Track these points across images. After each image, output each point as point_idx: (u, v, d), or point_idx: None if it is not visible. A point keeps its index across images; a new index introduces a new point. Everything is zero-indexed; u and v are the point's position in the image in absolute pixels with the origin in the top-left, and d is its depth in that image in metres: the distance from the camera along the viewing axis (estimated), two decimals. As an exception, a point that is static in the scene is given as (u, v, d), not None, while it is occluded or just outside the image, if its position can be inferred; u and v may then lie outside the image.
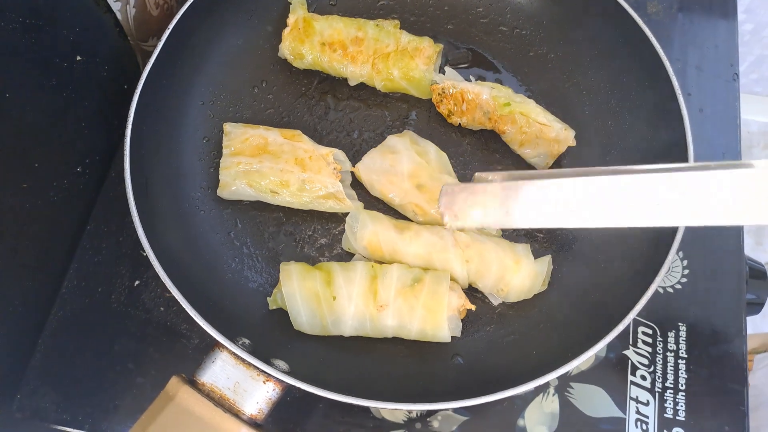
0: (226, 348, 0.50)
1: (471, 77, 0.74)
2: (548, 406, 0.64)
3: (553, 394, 0.64)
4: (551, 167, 0.69)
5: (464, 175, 0.71)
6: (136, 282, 0.70)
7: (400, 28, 0.73)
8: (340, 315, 0.58)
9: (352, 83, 0.74)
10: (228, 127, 0.68)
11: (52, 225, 0.70)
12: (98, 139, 0.76)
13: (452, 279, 0.61)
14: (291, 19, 0.73)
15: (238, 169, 0.65)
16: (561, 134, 0.66)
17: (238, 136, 0.67)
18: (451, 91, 0.68)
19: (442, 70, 0.74)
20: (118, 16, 0.78)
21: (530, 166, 0.70)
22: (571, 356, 0.52)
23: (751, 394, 0.65)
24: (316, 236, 0.68)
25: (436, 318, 0.58)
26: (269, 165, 0.65)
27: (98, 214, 0.73)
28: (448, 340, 0.59)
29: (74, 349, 0.67)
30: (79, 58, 0.70)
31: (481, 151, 0.72)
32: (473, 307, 0.60)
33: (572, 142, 0.67)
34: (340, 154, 0.67)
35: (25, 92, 0.63)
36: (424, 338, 0.59)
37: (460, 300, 0.59)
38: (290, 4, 0.75)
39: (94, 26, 0.72)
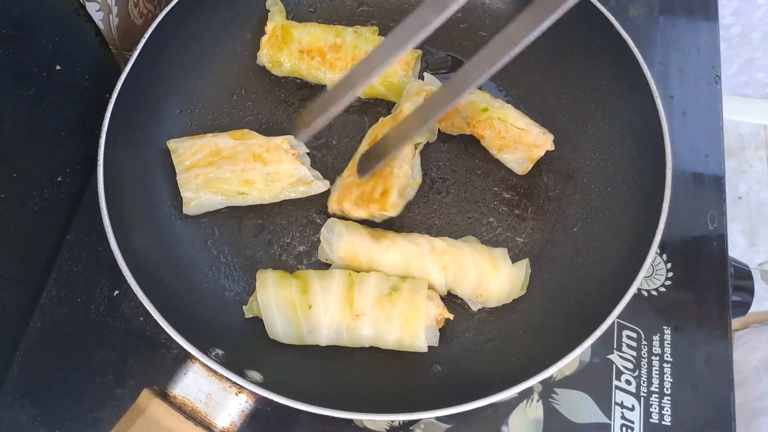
0: (198, 360, 0.49)
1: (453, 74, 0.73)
2: (532, 412, 0.63)
3: (537, 400, 0.64)
4: (530, 172, 0.69)
5: (443, 179, 0.70)
6: (116, 292, 0.69)
7: (379, 34, 0.74)
8: (316, 324, 0.58)
9: (331, 90, 0.73)
10: (172, 144, 0.67)
11: (31, 235, 0.70)
12: (79, 148, 0.75)
13: (430, 287, 0.60)
14: (269, 27, 0.73)
15: (198, 182, 0.64)
16: (539, 138, 0.66)
17: (186, 150, 0.66)
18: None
19: (421, 76, 0.74)
20: (101, 25, 0.78)
21: (510, 172, 0.70)
22: (551, 361, 0.51)
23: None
24: (294, 243, 0.67)
25: (413, 327, 0.57)
26: (229, 168, 0.64)
27: (78, 224, 0.73)
28: (425, 349, 0.58)
29: (52, 360, 0.66)
30: (58, 67, 0.70)
31: (460, 157, 0.72)
32: (451, 316, 0.59)
33: (551, 147, 0.67)
34: (293, 139, 0.67)
35: (2, 102, 0.63)
36: (401, 348, 0.58)
37: (438, 309, 0.59)
38: (269, 11, 0.75)
39: (74, 35, 0.72)
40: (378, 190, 0.62)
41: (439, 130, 0.72)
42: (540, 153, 0.67)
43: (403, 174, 0.63)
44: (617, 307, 0.53)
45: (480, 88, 0.72)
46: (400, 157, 0.64)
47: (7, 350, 0.67)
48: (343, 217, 0.65)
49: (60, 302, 0.69)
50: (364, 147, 0.68)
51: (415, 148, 0.67)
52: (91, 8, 0.75)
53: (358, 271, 0.61)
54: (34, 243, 0.70)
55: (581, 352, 0.52)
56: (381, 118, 0.69)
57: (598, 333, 0.53)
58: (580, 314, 0.57)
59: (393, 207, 0.62)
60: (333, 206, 0.65)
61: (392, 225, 0.67)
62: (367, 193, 0.62)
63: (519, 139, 0.66)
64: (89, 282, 0.70)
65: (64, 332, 0.68)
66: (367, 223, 0.65)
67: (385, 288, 0.58)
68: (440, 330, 0.61)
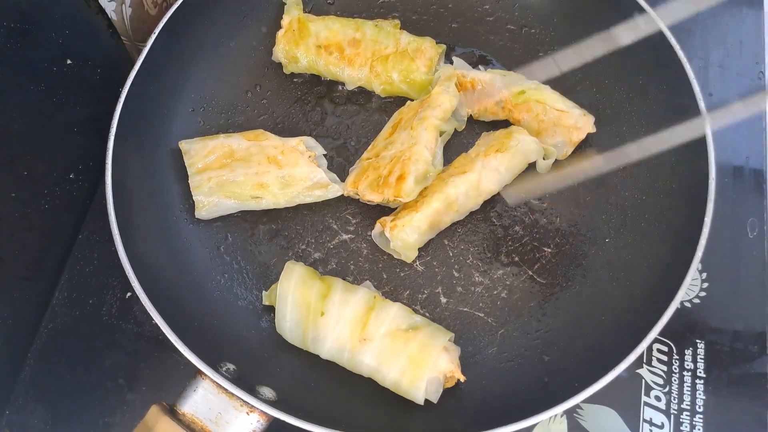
0: (209, 376, 0.47)
1: (480, 67, 0.71)
2: (556, 427, 0.61)
3: (562, 415, 0.62)
4: (570, 156, 0.66)
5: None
6: (128, 294, 0.68)
7: (401, 28, 0.70)
8: (323, 334, 0.55)
9: (349, 87, 0.70)
10: (184, 145, 0.65)
11: (43, 234, 0.69)
12: (91, 145, 0.74)
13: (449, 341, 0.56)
14: (285, 21, 0.69)
15: (211, 185, 0.62)
16: (580, 120, 0.63)
17: (198, 152, 0.64)
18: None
19: (450, 60, 0.70)
20: (113, 16, 0.76)
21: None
22: (581, 386, 0.48)
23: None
24: (310, 250, 0.65)
25: (416, 373, 0.53)
26: (242, 171, 0.62)
27: (90, 223, 0.72)
28: (421, 402, 0.54)
29: (64, 363, 0.66)
30: (69, 61, 0.68)
31: None
32: (463, 378, 0.54)
33: (592, 129, 0.64)
34: (310, 140, 0.65)
35: (11, 99, 0.61)
36: (397, 391, 0.55)
37: (450, 365, 0.54)
38: (285, 4, 0.72)
39: (85, 28, 0.70)
40: (395, 174, 0.60)
41: (471, 116, 0.69)
42: (581, 136, 0.64)
43: (423, 160, 0.60)
44: (653, 330, 0.50)
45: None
46: (421, 143, 0.60)
47: (19, 352, 0.66)
48: (358, 200, 0.63)
49: (72, 303, 0.68)
50: (388, 128, 0.65)
51: (440, 136, 0.64)
52: (103, -1, 0.73)
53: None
54: (46, 242, 0.69)
55: (613, 377, 0.49)
56: (408, 102, 0.66)
57: (632, 356, 0.49)
58: (611, 334, 0.54)
59: (407, 193, 0.59)
60: (348, 189, 0.63)
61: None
62: (383, 177, 0.60)
63: (558, 122, 0.63)
64: (101, 283, 0.69)
65: (75, 335, 0.67)
66: (381, 209, 0.63)
67: (404, 323, 0.55)
68: (463, 342, 0.59)
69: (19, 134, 0.63)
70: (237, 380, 0.48)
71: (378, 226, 0.62)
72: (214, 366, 0.48)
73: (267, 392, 0.49)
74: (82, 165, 0.72)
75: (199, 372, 0.48)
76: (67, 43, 0.66)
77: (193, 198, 0.63)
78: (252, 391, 0.48)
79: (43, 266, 0.69)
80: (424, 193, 0.61)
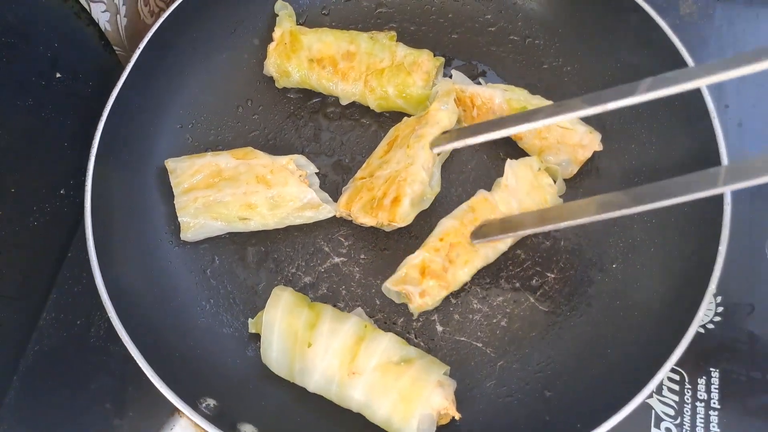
0: (186, 414, 0.45)
1: (480, 80, 0.68)
2: (559, 461, 0.58)
3: (565, 448, 0.58)
4: (575, 176, 0.63)
5: (468, 192, 0.64)
6: (117, 315, 0.66)
7: (398, 39, 0.68)
8: (310, 366, 0.53)
9: (343, 102, 0.68)
10: (171, 163, 0.63)
11: (31, 252, 0.67)
12: (83, 159, 0.72)
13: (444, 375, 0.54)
14: (276, 33, 0.67)
15: (197, 206, 0.61)
16: (586, 138, 0.61)
17: (185, 171, 0.62)
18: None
19: (448, 74, 0.68)
20: (107, 27, 0.74)
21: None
22: (582, 429, 0.45)
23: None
24: (300, 274, 0.63)
25: (407, 410, 0.50)
26: (230, 192, 0.60)
27: (80, 240, 0.70)
28: None
29: (50, 386, 0.64)
30: (58, 75, 0.67)
31: (494, 162, 0.66)
32: (458, 416, 0.52)
33: (599, 147, 0.61)
34: (301, 158, 0.63)
35: (-3, 114, 0.60)
36: (388, 428, 0.52)
37: (444, 402, 0.51)
38: (277, 15, 0.70)
39: (75, 41, 0.69)
40: (389, 196, 0.58)
41: None
42: (587, 154, 0.61)
43: (419, 181, 0.58)
44: (664, 366, 0.48)
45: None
46: (418, 163, 0.58)
47: (5, 374, 0.65)
48: (351, 221, 0.61)
49: (59, 324, 0.67)
50: (383, 146, 0.63)
51: (438, 155, 0.61)
52: (96, 9, 0.72)
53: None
54: (35, 261, 0.68)
55: (622, 418, 0.46)
56: (405, 118, 0.64)
57: (641, 396, 0.47)
58: (619, 369, 0.52)
59: (402, 218, 0.57)
60: (341, 210, 0.61)
61: (403, 233, 0.62)
62: (377, 199, 0.58)
63: (562, 140, 0.61)
64: (90, 303, 0.67)
65: (62, 357, 0.65)
66: (375, 230, 0.61)
67: (395, 356, 0.52)
68: (460, 374, 0.56)
69: (7, 150, 0.62)
70: (217, 417, 0.46)
71: (397, 293, 0.59)
72: (193, 403, 0.46)
73: (249, 430, 0.47)
74: (73, 180, 0.71)
75: (176, 409, 0.46)
76: (56, 56, 0.65)
77: (179, 219, 0.62)
78: (233, 429, 0.46)
79: (31, 285, 0.68)
80: (453, 259, 0.57)
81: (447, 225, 0.58)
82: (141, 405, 0.63)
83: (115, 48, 0.74)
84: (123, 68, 0.75)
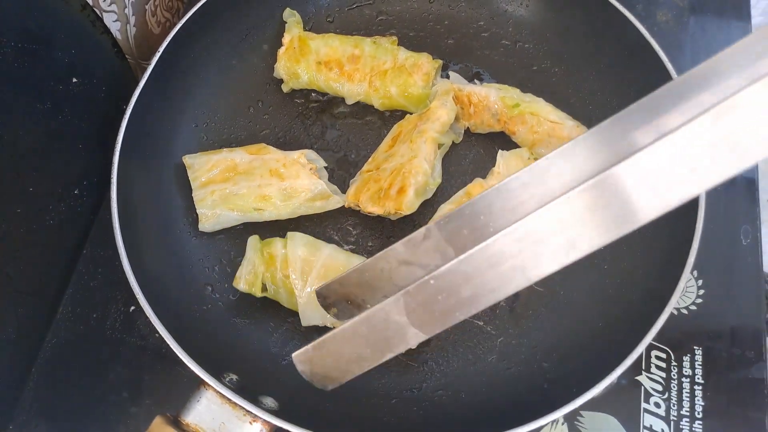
0: (212, 386, 0.48)
1: (476, 81, 0.72)
2: (557, 436, 0.61)
3: (562, 423, 0.61)
4: None
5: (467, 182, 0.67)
6: (132, 307, 0.68)
7: (399, 45, 0.72)
8: None
9: (349, 102, 0.72)
10: (188, 159, 0.66)
11: (48, 250, 0.69)
12: (96, 161, 0.75)
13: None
14: (286, 39, 0.71)
15: (214, 198, 0.64)
16: (574, 131, 0.65)
17: (202, 166, 0.65)
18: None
19: (446, 75, 0.72)
20: (118, 36, 0.77)
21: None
22: (579, 390, 0.49)
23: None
24: (312, 261, 0.66)
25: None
26: (245, 184, 0.63)
27: (94, 238, 0.72)
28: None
29: (68, 378, 0.66)
30: (75, 80, 0.69)
31: (490, 155, 0.69)
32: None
33: None
34: (311, 153, 0.66)
35: (18, 117, 0.62)
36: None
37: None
38: (286, 22, 0.74)
39: (90, 48, 0.72)
40: (395, 187, 0.61)
41: (468, 128, 0.70)
42: None
43: (423, 172, 0.62)
44: (647, 335, 0.51)
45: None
46: (421, 156, 0.62)
47: (23, 366, 0.66)
48: (358, 211, 0.64)
49: (75, 318, 0.68)
50: (388, 141, 0.66)
51: (439, 148, 0.65)
52: (108, 19, 0.75)
53: None
54: (51, 257, 0.70)
55: (610, 382, 0.49)
56: (408, 115, 0.68)
57: (628, 362, 0.50)
58: (607, 340, 0.55)
59: (408, 206, 0.60)
60: (349, 201, 0.64)
61: (408, 222, 0.65)
62: (383, 190, 0.61)
63: (553, 133, 0.65)
64: (105, 297, 0.69)
65: (79, 349, 0.67)
66: (381, 219, 0.64)
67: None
68: (463, 351, 0.59)
69: (26, 151, 0.64)
70: (240, 390, 0.49)
71: None
72: (218, 376, 0.49)
73: (269, 402, 0.50)
74: (86, 181, 0.73)
75: (202, 382, 0.49)
76: (73, 62, 0.68)
77: (197, 211, 0.64)
78: (255, 401, 0.48)
79: (48, 281, 0.70)
80: None
81: (445, 209, 0.62)
82: (156, 392, 0.65)
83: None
84: (133, 74, 0.79)
